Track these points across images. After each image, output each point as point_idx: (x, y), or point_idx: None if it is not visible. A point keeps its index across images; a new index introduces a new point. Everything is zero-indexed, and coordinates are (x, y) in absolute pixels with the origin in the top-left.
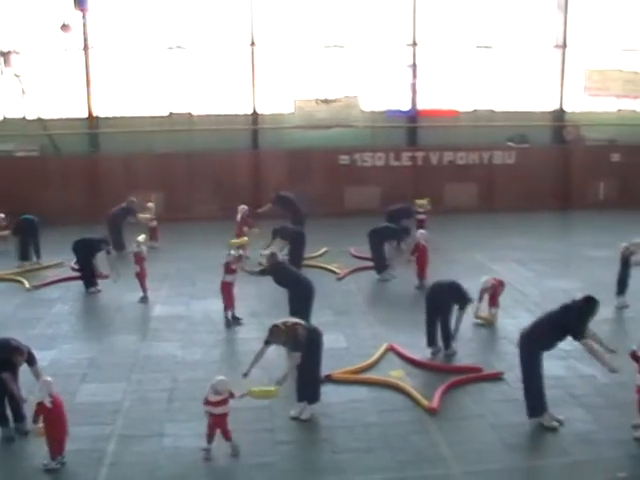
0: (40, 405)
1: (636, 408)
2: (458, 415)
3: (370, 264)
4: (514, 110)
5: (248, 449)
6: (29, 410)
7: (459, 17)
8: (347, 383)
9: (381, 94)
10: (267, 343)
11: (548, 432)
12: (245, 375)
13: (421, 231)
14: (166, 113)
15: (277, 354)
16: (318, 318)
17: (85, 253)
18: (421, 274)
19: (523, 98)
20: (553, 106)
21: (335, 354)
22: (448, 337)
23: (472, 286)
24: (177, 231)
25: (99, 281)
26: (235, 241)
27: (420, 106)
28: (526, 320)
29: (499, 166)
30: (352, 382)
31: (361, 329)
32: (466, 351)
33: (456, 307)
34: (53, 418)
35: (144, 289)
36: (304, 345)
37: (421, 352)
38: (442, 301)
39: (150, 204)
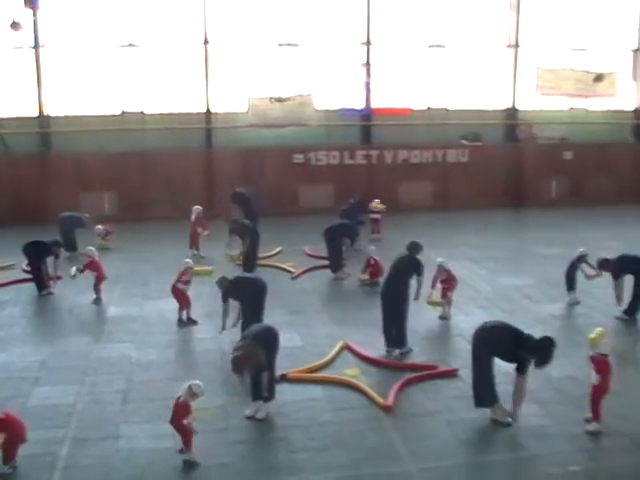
0: None
1: (588, 403)
2: (413, 412)
3: (324, 263)
4: (467, 109)
5: (204, 450)
6: None
7: (413, 16)
8: (302, 382)
9: (335, 93)
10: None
11: (502, 427)
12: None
13: (371, 247)
14: (118, 112)
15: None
16: (273, 317)
17: (36, 256)
18: (375, 271)
19: (476, 97)
20: (506, 105)
21: (290, 353)
22: (403, 335)
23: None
24: (130, 231)
25: (51, 283)
26: (199, 269)
27: (374, 105)
28: (479, 317)
29: (453, 164)
30: (307, 381)
31: (316, 328)
32: (421, 348)
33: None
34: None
35: (97, 291)
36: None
37: (376, 350)
38: (398, 291)
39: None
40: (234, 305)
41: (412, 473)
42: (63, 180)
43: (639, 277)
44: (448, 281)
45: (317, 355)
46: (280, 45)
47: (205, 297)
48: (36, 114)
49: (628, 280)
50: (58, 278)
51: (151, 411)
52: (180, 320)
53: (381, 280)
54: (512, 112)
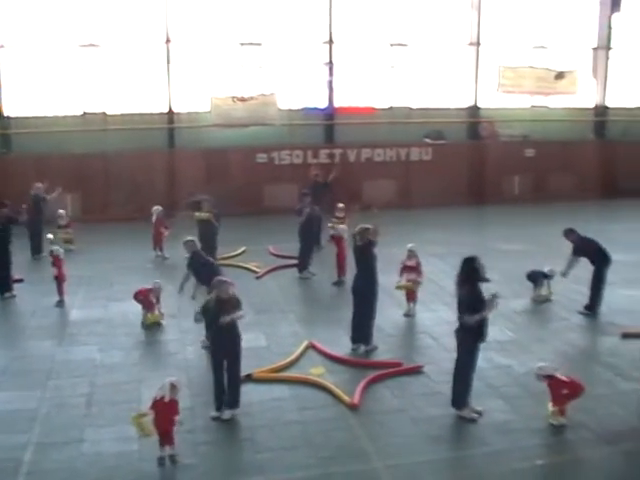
0: None
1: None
2: (379, 410)
3: (289, 262)
4: (430, 107)
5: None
6: None
7: (375, 15)
8: (268, 382)
9: (298, 92)
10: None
11: (468, 423)
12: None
13: (342, 227)
14: (80, 113)
15: (198, 355)
16: None
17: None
18: (340, 270)
19: (439, 95)
20: (468, 103)
21: (255, 353)
22: (370, 332)
23: (388, 281)
24: (93, 232)
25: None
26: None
27: (337, 103)
28: (444, 313)
29: (416, 162)
30: (273, 381)
31: (281, 327)
32: (386, 346)
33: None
34: None
35: (60, 293)
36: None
37: (341, 349)
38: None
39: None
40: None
41: (379, 470)
42: (24, 183)
43: (597, 266)
44: (416, 268)
45: (282, 355)
46: (243, 44)
47: (169, 298)
48: None
49: (588, 270)
50: (20, 281)
51: (116, 414)
52: (144, 322)
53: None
54: (474, 110)
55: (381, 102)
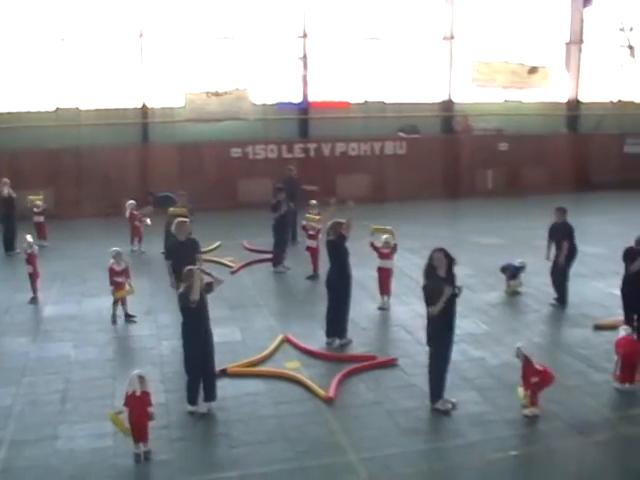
0: None
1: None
2: (354, 403)
3: (263, 257)
4: (404, 101)
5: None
6: None
7: (349, 9)
8: (243, 376)
9: (272, 86)
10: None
11: (443, 415)
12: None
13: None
14: (53, 108)
15: (171, 349)
16: (212, 313)
17: None
18: (315, 263)
19: (413, 89)
20: (442, 97)
21: (230, 348)
22: (344, 326)
23: (362, 275)
24: (67, 228)
25: None
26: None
27: (311, 98)
28: (418, 307)
29: (390, 156)
30: (248, 375)
31: (256, 322)
32: (360, 339)
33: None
34: None
35: (34, 289)
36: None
37: (316, 342)
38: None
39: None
40: None
41: (354, 463)
42: None
43: (566, 259)
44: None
45: (257, 349)
46: (216, 38)
47: (144, 294)
48: None
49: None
50: None
51: (90, 410)
52: (113, 316)
53: None
54: (448, 104)
55: (355, 96)
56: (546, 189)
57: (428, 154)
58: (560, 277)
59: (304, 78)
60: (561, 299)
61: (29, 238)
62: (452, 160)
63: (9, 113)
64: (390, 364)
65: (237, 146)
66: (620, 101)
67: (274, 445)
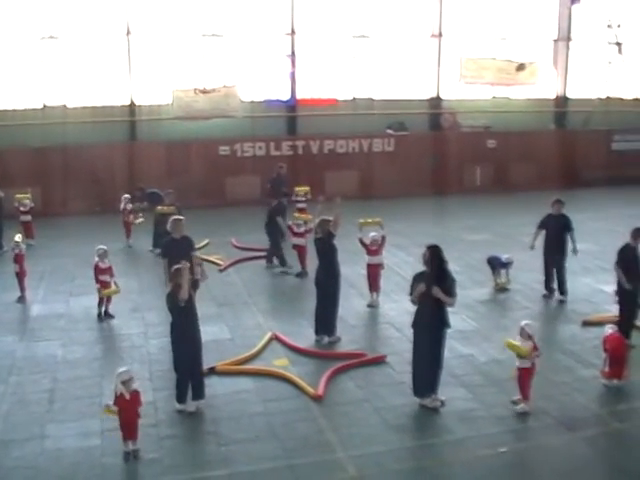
0: None
1: (515, 385)
2: (343, 401)
3: (253, 255)
4: (392, 98)
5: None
6: None
7: (337, 6)
8: (231, 374)
9: (260, 83)
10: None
11: (431, 412)
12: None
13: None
14: (40, 105)
15: (159, 347)
16: (200, 310)
17: None
18: (302, 261)
19: (401, 86)
20: (430, 94)
21: (218, 346)
22: (333, 324)
23: (351, 272)
24: (54, 227)
25: None
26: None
27: (299, 95)
28: (407, 304)
29: (379, 153)
30: (236, 373)
31: (244, 320)
32: (349, 337)
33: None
34: None
35: (22, 288)
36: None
37: (305, 340)
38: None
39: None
40: None
41: (343, 461)
42: None
43: (555, 235)
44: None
45: (246, 347)
46: (204, 36)
47: (132, 292)
48: None
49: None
50: None
51: (78, 409)
52: (100, 314)
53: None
54: (436, 101)
55: (343, 93)
56: (534, 186)
57: (416, 151)
58: (563, 270)
59: (292, 75)
60: (563, 291)
61: (17, 238)
62: (440, 157)
63: None
64: (379, 361)
65: (225, 144)
66: (608, 98)
67: (263, 443)
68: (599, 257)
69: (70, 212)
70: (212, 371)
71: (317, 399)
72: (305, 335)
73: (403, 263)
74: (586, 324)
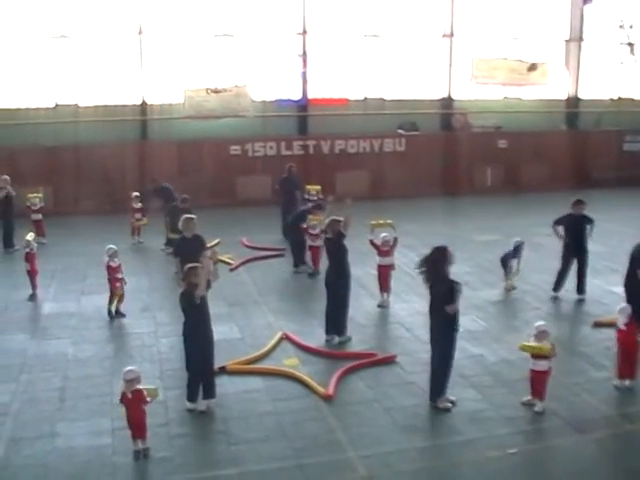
0: None
1: (526, 386)
2: (353, 400)
3: (266, 254)
4: (404, 98)
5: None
6: None
7: (348, 5)
8: (242, 374)
9: (271, 83)
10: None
11: (441, 413)
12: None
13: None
14: (52, 104)
15: (170, 346)
16: (211, 310)
17: None
18: (315, 261)
19: (412, 86)
20: (442, 94)
21: (229, 345)
22: (343, 324)
23: (361, 273)
24: (65, 226)
25: None
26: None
27: (311, 95)
28: (417, 304)
29: (390, 153)
30: (247, 372)
31: (255, 319)
32: (360, 337)
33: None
34: None
35: (33, 286)
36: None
37: (315, 340)
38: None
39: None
40: None
41: (353, 460)
42: None
43: (577, 235)
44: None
45: (256, 346)
46: (216, 35)
47: (142, 291)
48: None
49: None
50: None
51: (89, 408)
52: (110, 312)
53: None
54: (448, 101)
55: (355, 93)
56: (545, 186)
57: (427, 151)
58: (585, 268)
59: (303, 75)
60: (580, 290)
61: (29, 237)
62: (451, 157)
63: (7, 110)
64: (389, 361)
65: (236, 143)
66: (620, 98)
67: (273, 442)
68: (608, 259)
69: (81, 211)
70: (222, 370)
71: (327, 399)
72: (315, 335)
73: (413, 263)
74: (597, 325)
